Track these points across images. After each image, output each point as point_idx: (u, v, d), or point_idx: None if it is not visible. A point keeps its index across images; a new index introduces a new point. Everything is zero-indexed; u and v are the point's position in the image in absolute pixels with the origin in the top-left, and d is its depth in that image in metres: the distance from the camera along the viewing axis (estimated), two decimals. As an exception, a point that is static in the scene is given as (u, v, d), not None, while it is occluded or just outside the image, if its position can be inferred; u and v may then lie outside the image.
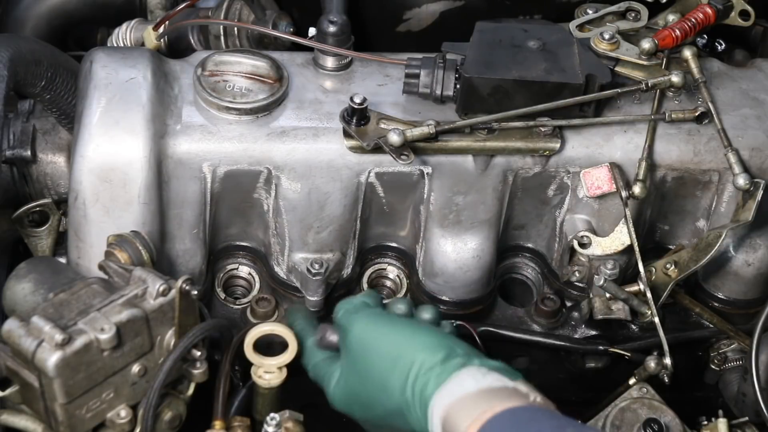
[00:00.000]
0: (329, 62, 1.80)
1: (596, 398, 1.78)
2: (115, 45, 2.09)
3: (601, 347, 1.83)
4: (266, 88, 1.73)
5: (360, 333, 1.51)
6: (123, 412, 1.48)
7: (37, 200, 1.88)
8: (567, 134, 1.75)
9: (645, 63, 1.79)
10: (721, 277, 1.90)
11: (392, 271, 1.90)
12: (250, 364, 1.57)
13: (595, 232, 1.81)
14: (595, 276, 1.78)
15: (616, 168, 1.75)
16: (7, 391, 1.46)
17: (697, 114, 1.77)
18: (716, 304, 1.90)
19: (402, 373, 1.43)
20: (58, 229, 1.89)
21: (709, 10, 1.85)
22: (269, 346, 1.58)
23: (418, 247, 1.84)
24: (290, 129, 1.72)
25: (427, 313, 1.57)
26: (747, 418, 1.75)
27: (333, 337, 1.56)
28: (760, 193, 1.72)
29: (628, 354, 1.81)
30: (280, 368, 1.57)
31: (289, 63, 1.80)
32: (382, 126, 1.69)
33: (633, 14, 1.88)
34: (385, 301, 1.63)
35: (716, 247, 1.72)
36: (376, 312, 1.55)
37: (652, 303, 1.76)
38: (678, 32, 1.81)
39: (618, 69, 1.78)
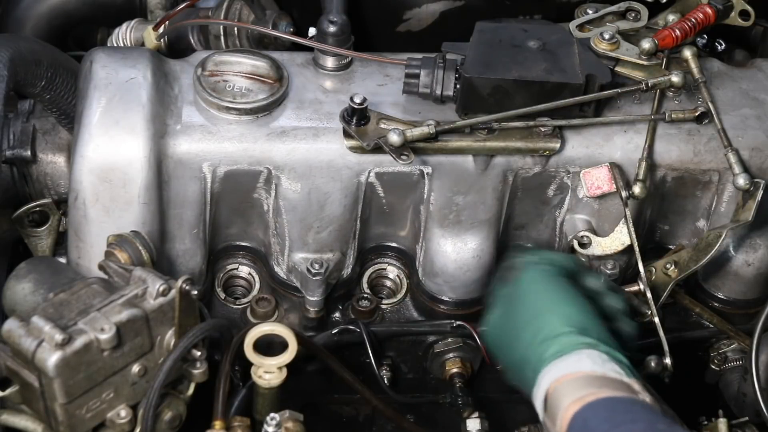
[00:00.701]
0: (329, 62, 1.80)
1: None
2: (115, 45, 2.09)
3: (601, 347, 1.83)
4: (266, 88, 1.73)
5: (523, 282, 1.58)
6: (123, 412, 1.48)
7: (37, 200, 1.88)
8: (567, 134, 1.75)
9: (645, 63, 1.79)
10: (721, 277, 1.90)
11: (392, 271, 1.90)
12: (250, 364, 1.57)
13: (595, 232, 1.81)
14: (595, 276, 1.79)
15: (616, 168, 1.76)
16: (7, 391, 1.46)
17: (697, 114, 1.77)
18: (716, 304, 1.91)
19: (533, 331, 1.49)
20: (58, 229, 1.89)
21: (709, 10, 1.85)
22: (269, 346, 1.58)
23: (418, 247, 1.84)
24: (290, 129, 1.72)
25: (615, 302, 1.62)
26: (747, 418, 1.75)
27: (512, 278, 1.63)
28: (760, 193, 1.72)
29: (628, 354, 1.81)
30: (280, 368, 1.57)
31: (289, 63, 1.80)
32: (382, 126, 1.69)
33: (633, 14, 1.88)
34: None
35: (716, 247, 1.72)
36: (549, 271, 1.59)
37: (652, 303, 1.76)
38: (678, 32, 1.81)
39: (618, 69, 1.78)
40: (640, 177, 1.74)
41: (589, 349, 1.44)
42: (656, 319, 1.75)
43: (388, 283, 1.91)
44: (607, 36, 1.79)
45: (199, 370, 1.54)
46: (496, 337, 1.61)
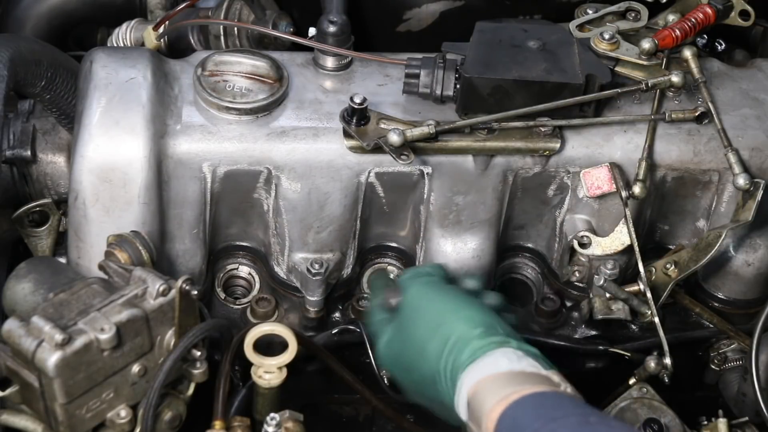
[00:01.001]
0: (329, 62, 1.80)
1: (596, 398, 1.78)
2: (115, 45, 2.09)
3: (601, 347, 1.83)
4: (266, 88, 1.73)
5: (412, 297, 1.55)
6: (123, 412, 1.48)
7: (37, 200, 1.88)
8: (567, 134, 1.75)
9: (645, 63, 1.79)
10: (721, 277, 1.90)
11: (392, 271, 1.90)
12: (250, 364, 1.57)
13: (595, 232, 1.81)
14: (595, 276, 1.79)
15: (616, 168, 1.75)
16: (7, 391, 1.46)
17: (697, 114, 1.77)
18: (716, 304, 1.91)
19: (440, 341, 1.46)
20: (58, 229, 1.89)
21: (709, 10, 1.85)
22: (269, 346, 1.58)
23: (418, 247, 1.84)
24: (290, 129, 1.72)
25: (491, 299, 1.61)
26: (747, 418, 1.75)
27: (394, 301, 1.60)
28: (760, 193, 1.72)
29: (628, 354, 1.81)
30: (280, 368, 1.57)
31: (289, 63, 1.80)
32: (382, 126, 1.69)
33: (633, 14, 1.88)
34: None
35: (716, 247, 1.72)
36: (434, 281, 1.58)
37: (652, 303, 1.76)
38: (678, 32, 1.81)
39: (618, 69, 1.78)
40: (640, 177, 1.74)
41: (501, 347, 1.42)
42: (656, 319, 1.75)
43: (389, 283, 1.91)
44: (607, 36, 1.79)
45: (199, 370, 1.54)
46: (394, 360, 1.57)
